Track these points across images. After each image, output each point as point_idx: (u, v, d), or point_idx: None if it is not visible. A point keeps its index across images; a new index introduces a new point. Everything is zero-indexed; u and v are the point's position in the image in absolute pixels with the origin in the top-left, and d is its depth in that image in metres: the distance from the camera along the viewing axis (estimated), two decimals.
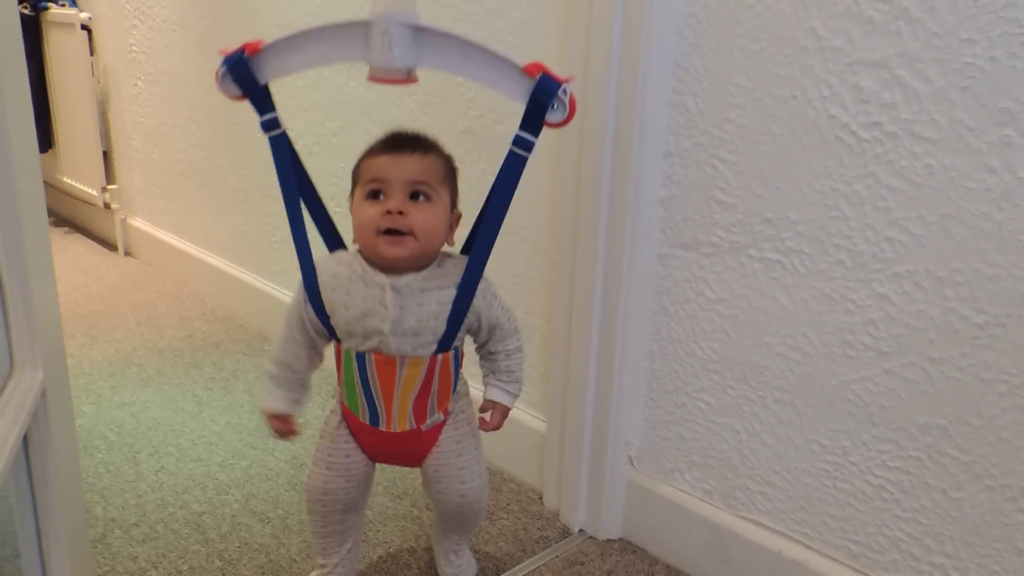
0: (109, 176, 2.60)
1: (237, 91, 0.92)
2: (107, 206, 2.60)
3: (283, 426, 0.99)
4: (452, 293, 0.94)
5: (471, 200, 1.34)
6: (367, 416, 0.99)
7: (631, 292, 1.16)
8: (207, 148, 2.13)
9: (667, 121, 1.09)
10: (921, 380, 0.92)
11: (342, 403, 1.01)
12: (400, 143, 0.94)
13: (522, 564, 1.20)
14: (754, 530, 1.11)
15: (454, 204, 0.98)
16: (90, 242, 2.73)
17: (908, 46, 0.86)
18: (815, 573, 1.04)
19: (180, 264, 2.36)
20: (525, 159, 0.94)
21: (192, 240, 2.31)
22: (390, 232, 0.90)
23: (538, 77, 0.88)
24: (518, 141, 0.93)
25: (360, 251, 0.96)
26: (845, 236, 0.95)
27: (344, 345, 0.96)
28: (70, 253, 2.61)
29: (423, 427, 1.00)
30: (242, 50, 0.90)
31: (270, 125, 0.93)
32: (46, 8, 2.54)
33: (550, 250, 1.28)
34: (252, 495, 1.35)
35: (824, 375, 1.00)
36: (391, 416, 0.98)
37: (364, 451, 1.02)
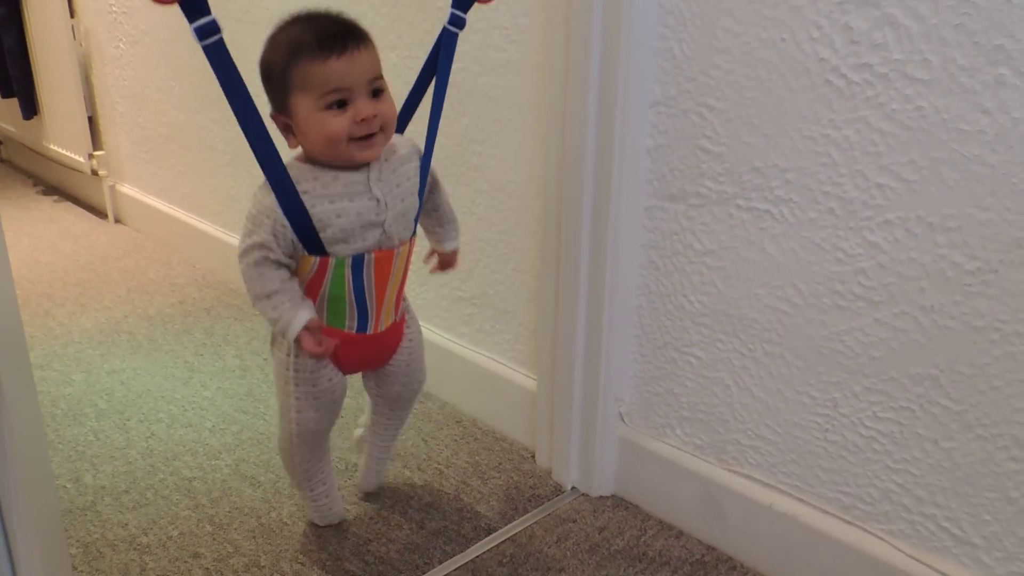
0: (95, 142, 2.56)
1: None
2: (95, 173, 2.56)
3: (319, 342, 0.93)
4: (414, 165, 0.98)
5: (458, 155, 1.33)
6: (355, 324, 0.99)
7: (618, 246, 1.13)
8: (191, 110, 2.09)
9: (653, 68, 1.05)
10: (912, 329, 0.90)
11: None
12: (343, 39, 0.88)
13: (514, 522, 1.20)
14: (745, 484, 1.10)
15: None
16: (79, 210, 2.70)
17: None
18: (806, 526, 1.03)
19: (170, 230, 2.34)
20: (457, 36, 1.00)
21: (181, 205, 2.28)
22: (364, 137, 0.89)
23: None
24: (454, 19, 0.99)
25: (308, 159, 0.93)
26: (835, 183, 0.92)
27: (335, 255, 0.93)
28: (60, 222, 2.58)
29: (397, 317, 1.05)
30: None
31: (207, 31, 0.81)
32: None
33: (537, 206, 1.25)
34: (243, 460, 1.35)
35: (814, 326, 0.98)
36: (380, 314, 1.00)
37: (339, 367, 1.03)
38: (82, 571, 1.10)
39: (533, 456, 1.35)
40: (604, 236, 1.13)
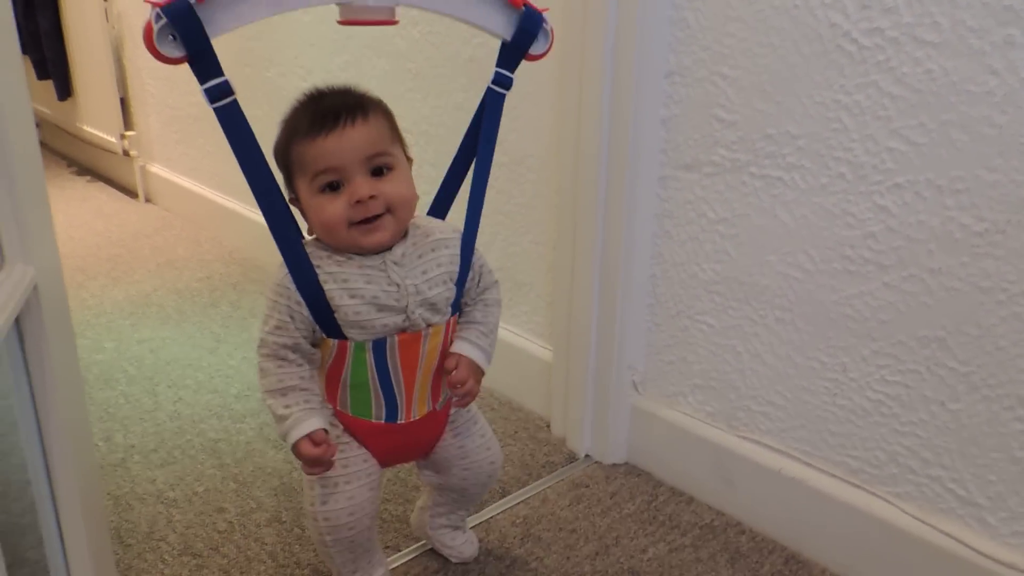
0: (127, 123, 2.62)
1: (179, 52, 0.73)
2: (126, 153, 2.62)
3: (321, 451, 0.82)
4: (450, 252, 0.87)
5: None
6: (383, 413, 0.89)
7: (633, 216, 1.15)
8: None
9: (667, 38, 1.07)
10: (920, 292, 0.91)
11: (340, 415, 0.90)
12: (334, 114, 0.80)
13: (528, 487, 1.23)
14: (755, 450, 1.11)
15: (405, 152, 0.87)
16: (111, 190, 2.77)
17: None
18: (814, 490, 1.05)
19: (199, 208, 2.39)
20: (504, 97, 0.91)
21: (209, 184, 2.33)
22: (364, 221, 0.81)
23: (523, 8, 0.87)
24: (498, 79, 0.90)
25: (323, 243, 0.85)
26: (846, 148, 0.93)
27: (352, 340, 0.84)
28: (92, 200, 2.65)
29: (438, 406, 0.93)
30: None
31: (219, 92, 0.75)
32: None
33: (555, 178, 1.28)
34: (266, 424, 1.39)
35: (824, 292, 0.99)
36: (411, 402, 0.89)
37: (376, 457, 0.92)
38: (113, 521, 1.14)
39: (548, 425, 1.38)
40: (619, 206, 1.15)
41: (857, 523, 1.01)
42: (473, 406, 0.98)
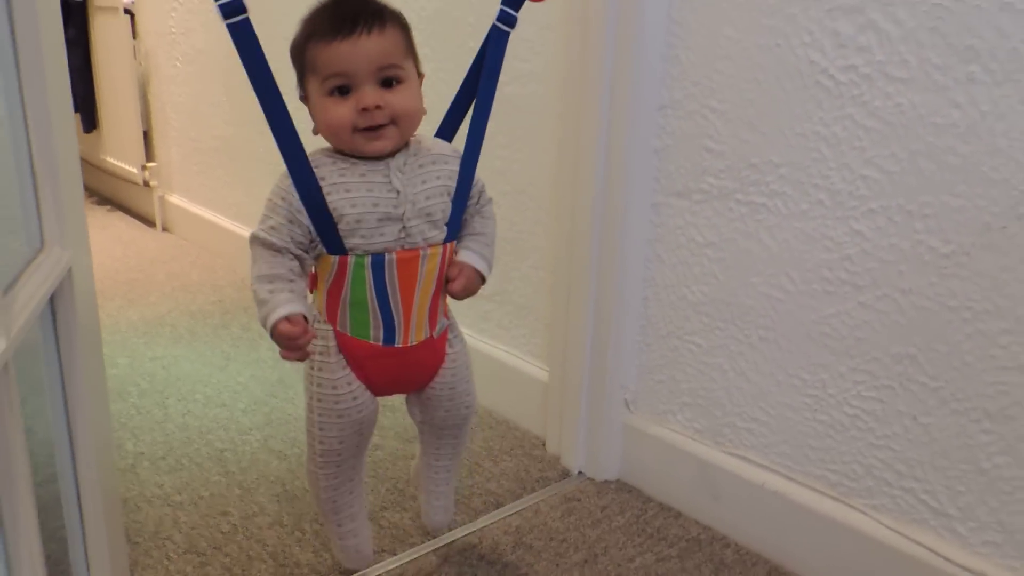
0: (148, 154, 2.72)
1: None
2: (146, 184, 2.72)
3: (299, 330, 0.82)
4: (449, 168, 0.91)
5: (482, 160, 1.39)
6: (380, 335, 0.90)
7: (626, 241, 1.21)
8: (239, 123, 2.23)
9: (661, 74, 1.14)
10: (893, 311, 0.97)
11: (340, 335, 0.91)
12: (353, 19, 0.82)
13: (521, 499, 1.27)
14: (740, 465, 1.16)
15: (417, 68, 0.89)
16: (130, 219, 2.86)
17: None
18: (796, 503, 1.09)
19: (214, 237, 2.47)
20: (508, 35, 0.94)
21: (225, 213, 2.42)
22: (369, 129, 0.83)
23: None
24: (502, 16, 0.93)
25: (331, 148, 0.88)
26: (824, 176, 1.00)
27: (353, 252, 0.86)
28: (111, 229, 2.74)
29: (435, 334, 0.95)
30: None
31: (232, 8, 0.78)
32: None
33: (554, 206, 1.34)
34: (271, 436, 1.44)
35: (804, 311, 1.05)
36: (409, 326, 0.91)
37: (369, 386, 0.93)
38: (122, 521, 1.19)
39: (544, 444, 1.42)
40: (613, 232, 1.22)
41: (836, 535, 1.05)
42: (465, 342, 1.01)
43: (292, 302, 0.83)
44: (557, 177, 1.31)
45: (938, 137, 0.90)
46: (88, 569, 0.78)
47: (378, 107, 0.83)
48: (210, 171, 2.45)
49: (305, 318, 0.83)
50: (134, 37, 2.61)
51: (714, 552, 1.15)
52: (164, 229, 2.74)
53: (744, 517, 1.15)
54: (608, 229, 1.22)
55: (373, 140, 0.84)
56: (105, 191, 3.12)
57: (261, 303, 0.84)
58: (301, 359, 0.87)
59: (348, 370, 0.92)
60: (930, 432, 0.96)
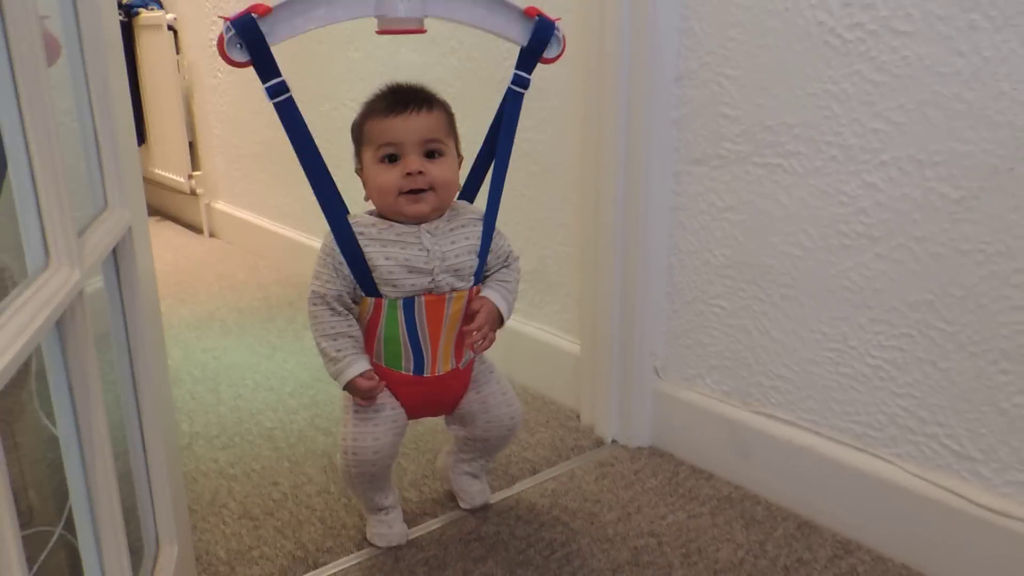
0: (194, 164, 2.83)
1: (244, 57, 0.89)
2: (193, 192, 2.83)
3: (372, 383, 0.99)
4: (476, 230, 1.02)
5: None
6: (411, 366, 1.02)
7: (650, 211, 1.25)
8: (279, 127, 2.31)
9: (676, 46, 1.19)
10: (908, 259, 0.99)
11: (375, 365, 1.02)
12: (405, 101, 0.97)
13: (556, 466, 1.31)
14: (768, 423, 1.19)
15: (457, 149, 1.03)
16: (178, 227, 2.98)
17: None
18: (823, 457, 1.12)
19: (258, 239, 2.56)
20: (523, 96, 1.05)
21: (268, 215, 2.51)
22: (412, 192, 0.96)
23: (536, 18, 1.02)
24: (517, 80, 1.04)
25: (375, 212, 1.01)
26: (836, 133, 1.03)
27: (387, 297, 0.98)
28: (160, 236, 2.85)
29: (461, 365, 1.06)
30: (250, 13, 0.87)
31: (277, 90, 0.92)
32: (137, 13, 2.80)
33: (580, 183, 1.39)
34: (317, 415, 1.50)
35: (823, 267, 1.08)
36: (436, 359, 1.02)
37: (405, 407, 1.05)
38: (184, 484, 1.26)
39: (578, 416, 1.47)
40: (636, 203, 1.26)
41: (863, 486, 1.07)
42: (493, 364, 1.12)
43: (360, 359, 0.99)
44: (582, 155, 1.36)
45: (944, 86, 0.92)
46: (156, 526, 0.84)
47: (420, 173, 0.96)
48: (253, 176, 2.54)
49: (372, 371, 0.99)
50: (177, 52, 2.73)
51: (745, 509, 1.18)
52: (211, 235, 2.85)
53: (774, 474, 1.18)
54: (631, 201, 1.26)
55: (414, 203, 0.97)
56: (153, 202, 3.25)
57: (331, 360, 0.99)
58: (373, 403, 1.02)
59: (386, 389, 1.04)
60: (950, 377, 0.98)
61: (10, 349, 0.42)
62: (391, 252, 0.97)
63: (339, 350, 0.98)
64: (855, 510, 1.09)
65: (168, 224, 3.02)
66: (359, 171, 1.02)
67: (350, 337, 0.99)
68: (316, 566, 1.08)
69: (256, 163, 2.51)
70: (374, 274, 0.97)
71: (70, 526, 0.69)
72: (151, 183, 3.12)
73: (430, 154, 0.98)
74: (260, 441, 1.42)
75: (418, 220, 0.99)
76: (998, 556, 0.95)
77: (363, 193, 1.02)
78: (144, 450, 0.76)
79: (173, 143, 2.82)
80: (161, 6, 2.82)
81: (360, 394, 1.00)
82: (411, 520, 1.17)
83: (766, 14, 1.07)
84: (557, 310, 1.52)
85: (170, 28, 2.69)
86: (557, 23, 1.04)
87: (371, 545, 1.12)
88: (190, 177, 2.81)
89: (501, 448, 1.18)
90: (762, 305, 1.17)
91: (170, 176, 2.90)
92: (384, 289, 0.98)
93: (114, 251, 0.69)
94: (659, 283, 1.29)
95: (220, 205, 2.78)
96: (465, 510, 1.19)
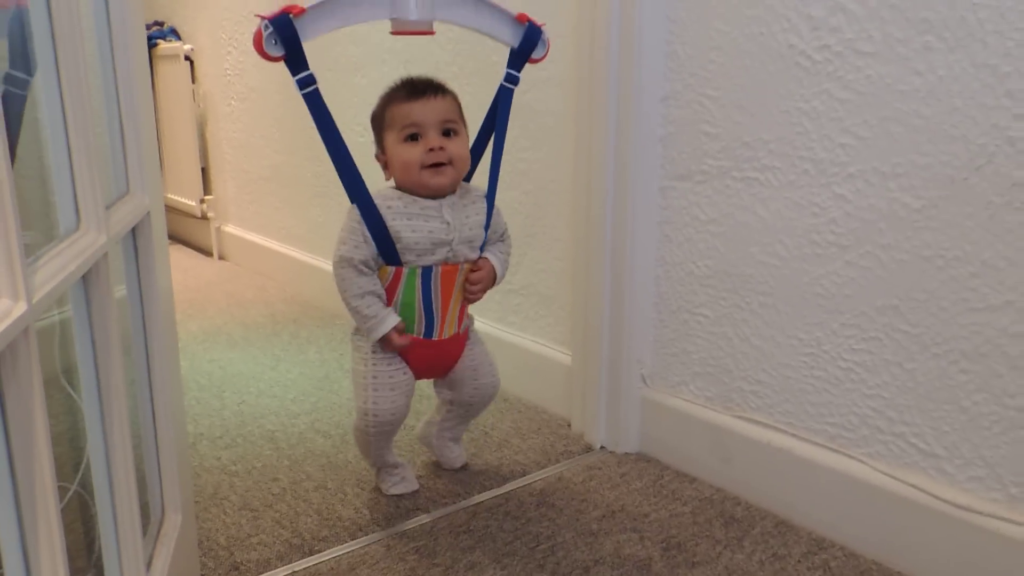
0: (206, 188, 2.92)
1: (279, 52, 0.99)
2: (204, 216, 2.92)
3: (402, 337, 1.12)
4: (483, 206, 1.17)
5: (508, 162, 1.51)
6: (423, 329, 1.15)
7: (637, 225, 1.32)
8: (288, 152, 2.41)
9: (662, 69, 1.27)
10: (875, 266, 1.05)
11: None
12: (423, 88, 1.11)
13: (546, 469, 1.36)
14: (747, 427, 1.24)
15: (466, 130, 1.16)
16: (189, 250, 3.06)
17: None
18: (799, 457, 1.17)
19: (266, 260, 2.64)
20: (513, 91, 1.18)
21: (276, 237, 2.59)
22: (434, 165, 1.09)
23: (527, 24, 1.15)
24: (509, 78, 1.18)
25: (397, 188, 1.13)
26: (807, 148, 1.10)
27: (407, 265, 1.10)
28: (171, 258, 2.91)
29: (460, 330, 1.20)
30: (287, 12, 0.98)
31: (307, 82, 1.02)
32: (156, 45, 2.92)
33: (573, 200, 1.46)
34: (318, 419, 1.56)
35: (798, 275, 1.14)
36: (444, 323, 1.16)
37: (413, 369, 1.18)
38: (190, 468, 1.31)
39: (569, 424, 1.52)
40: (625, 218, 1.33)
41: (837, 485, 1.12)
42: (480, 337, 1.26)
43: (391, 315, 1.12)
44: (574, 172, 1.43)
45: (904, 102, 0.99)
46: (162, 495, 0.90)
47: (441, 148, 1.09)
48: (262, 199, 2.63)
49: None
50: (193, 81, 2.84)
51: (725, 509, 1.22)
52: (220, 257, 2.93)
53: (753, 476, 1.23)
54: (620, 215, 1.33)
55: (436, 176, 1.10)
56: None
57: (365, 317, 1.11)
58: (402, 349, 1.15)
59: (399, 358, 1.17)
60: (915, 377, 1.04)
61: (44, 286, 0.48)
62: (417, 225, 1.09)
63: (370, 306, 1.10)
64: (829, 508, 1.13)
65: (179, 247, 3.11)
66: (379, 156, 1.15)
67: (377, 296, 1.11)
68: (311, 553, 1.13)
69: (265, 187, 2.59)
70: (398, 245, 1.09)
71: (84, 484, 0.75)
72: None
73: (446, 133, 1.10)
74: (262, 442, 1.47)
75: (439, 193, 1.11)
76: (963, 550, 1.00)
77: (375, 181, 1.12)
78: (154, 419, 0.82)
79: (186, 169, 2.92)
80: (179, 37, 2.94)
81: (393, 347, 1.12)
82: (404, 514, 1.22)
83: (743, 38, 1.15)
84: (551, 323, 1.58)
85: (187, 58, 2.80)
86: (543, 28, 1.17)
87: (388, 496, 1.27)
88: (202, 201, 2.90)
89: (479, 413, 1.33)
90: (742, 313, 1.23)
91: (183, 200, 2.99)
92: (408, 258, 1.10)
93: (134, 231, 0.76)
94: (647, 294, 1.35)
95: (230, 228, 2.86)
96: (455, 504, 1.24)
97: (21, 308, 0.43)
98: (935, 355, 1.01)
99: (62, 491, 0.77)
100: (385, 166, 1.15)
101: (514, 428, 1.51)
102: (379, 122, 1.14)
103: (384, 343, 1.13)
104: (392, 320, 1.11)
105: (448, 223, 1.11)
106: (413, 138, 1.10)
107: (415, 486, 1.28)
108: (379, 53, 1.92)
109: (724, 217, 1.22)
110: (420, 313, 1.14)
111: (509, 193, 1.59)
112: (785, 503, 1.19)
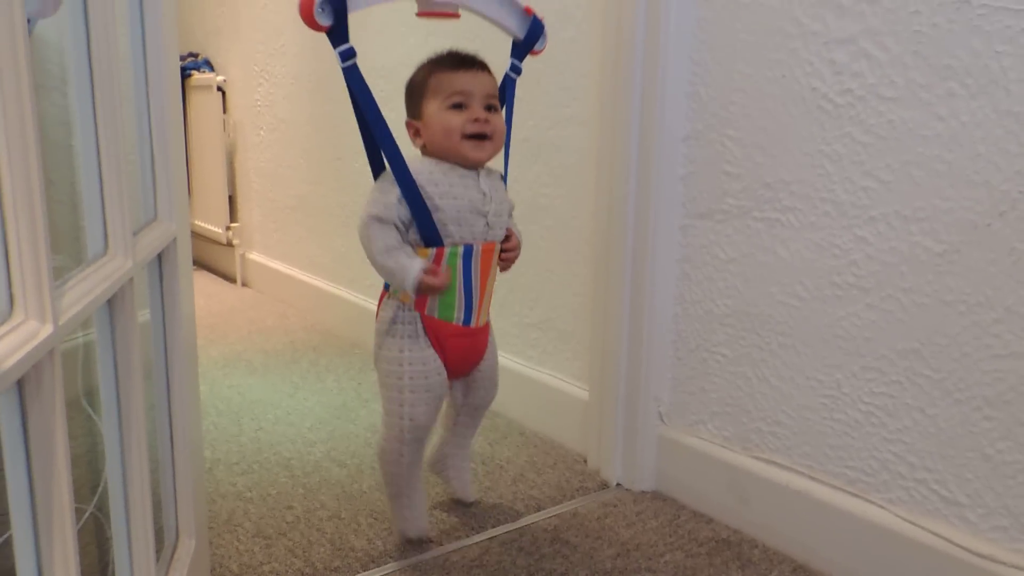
0: (232, 216, 2.97)
1: (329, 21, 1.00)
2: (229, 243, 2.96)
3: (438, 277, 1.05)
4: (503, 184, 1.18)
5: (530, 198, 1.52)
6: (462, 316, 1.12)
7: (657, 263, 1.33)
8: (314, 182, 2.45)
9: (684, 109, 1.28)
10: (896, 309, 1.05)
11: (427, 319, 1.11)
12: (471, 62, 1.11)
13: (561, 505, 1.35)
14: (766, 468, 1.22)
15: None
16: (213, 276, 3.10)
17: (870, 23, 1.03)
18: (818, 502, 1.15)
19: (288, 288, 2.67)
20: (516, 81, 1.21)
21: (299, 266, 2.62)
22: (475, 137, 1.08)
23: (532, 17, 1.19)
24: (514, 68, 1.20)
25: (431, 157, 1.11)
26: (829, 190, 1.10)
27: (448, 238, 1.08)
28: (196, 285, 2.93)
29: (488, 318, 1.19)
30: None
31: (348, 55, 1.03)
32: (189, 75, 2.99)
33: (594, 237, 1.47)
34: (334, 448, 1.56)
35: (818, 316, 1.14)
36: (481, 308, 1.14)
37: (447, 363, 1.14)
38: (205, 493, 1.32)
39: (585, 460, 1.51)
40: (645, 255, 1.33)
41: (856, 531, 1.10)
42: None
43: (416, 259, 1.06)
44: (595, 209, 1.44)
45: (926, 147, 0.99)
46: (177, 519, 0.90)
47: (487, 120, 1.09)
48: (287, 228, 2.66)
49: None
50: (224, 112, 2.90)
51: (742, 552, 1.21)
52: (244, 284, 2.96)
53: (771, 518, 1.21)
54: (641, 253, 1.34)
55: (477, 148, 1.10)
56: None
57: (393, 272, 1.06)
58: (444, 285, 1.07)
59: (433, 350, 1.13)
60: (937, 423, 1.02)
61: (71, 309, 0.50)
62: (457, 192, 1.08)
63: (397, 260, 1.05)
64: (848, 554, 1.12)
65: (203, 273, 3.15)
66: (411, 123, 1.13)
67: (402, 249, 1.06)
68: None
69: (291, 216, 2.63)
70: (437, 215, 1.07)
71: (100, 506, 0.75)
72: (191, 234, 3.26)
73: (488, 108, 1.10)
74: (277, 469, 1.48)
75: (476, 165, 1.11)
76: None
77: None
78: (171, 443, 0.82)
79: (214, 196, 2.97)
80: (212, 69, 3.01)
81: (431, 288, 1.06)
82: (417, 546, 1.21)
83: (765, 81, 1.16)
84: (568, 358, 1.58)
85: (219, 89, 2.87)
86: (543, 21, 1.20)
87: (402, 539, 1.23)
88: (227, 228, 2.94)
89: (480, 421, 1.31)
90: (761, 353, 1.22)
91: (209, 227, 3.04)
92: (451, 229, 1.08)
93: (159, 257, 0.78)
94: (665, 332, 1.35)
95: (254, 256, 2.90)
96: (468, 538, 1.23)
97: (47, 330, 0.44)
98: (957, 401, 1.00)
99: (79, 513, 0.78)
100: (416, 133, 1.12)
101: (530, 463, 1.50)
102: (419, 89, 1.12)
103: (421, 290, 1.06)
104: (419, 263, 1.05)
105: (485, 193, 1.11)
106: (458, 107, 1.09)
107: (425, 531, 1.22)
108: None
109: (744, 257, 1.22)
110: (461, 297, 1.11)
111: (529, 227, 1.61)
112: (803, 547, 1.17)
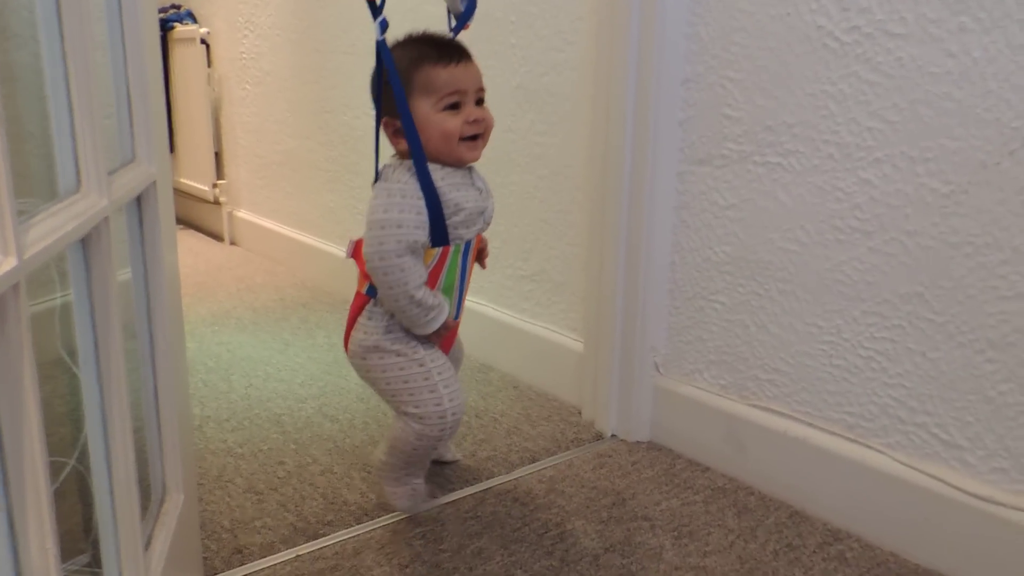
0: (219, 173, 2.91)
1: None
2: (216, 201, 2.91)
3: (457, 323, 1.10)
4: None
5: (524, 147, 1.49)
6: (455, 312, 1.09)
7: (654, 210, 1.29)
8: (301, 136, 2.39)
9: (683, 51, 1.23)
10: (900, 253, 1.02)
11: None
12: (458, 51, 1.01)
13: (555, 456, 1.34)
14: (764, 416, 1.21)
15: None
16: (201, 235, 3.05)
17: None
18: (816, 448, 1.14)
19: (277, 246, 2.63)
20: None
21: (287, 222, 2.57)
22: (471, 137, 1.01)
23: None
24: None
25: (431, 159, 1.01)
26: (833, 132, 1.07)
27: (457, 240, 1.03)
28: (183, 243, 2.92)
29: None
30: None
31: (382, 28, 0.95)
32: (172, 27, 2.91)
33: (589, 185, 1.43)
34: (325, 404, 1.54)
35: (819, 261, 1.11)
36: (463, 302, 1.11)
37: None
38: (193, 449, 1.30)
39: (580, 412, 1.49)
40: (641, 203, 1.30)
41: (855, 476, 1.09)
42: None
43: (441, 296, 1.04)
44: (590, 157, 1.41)
45: (935, 85, 0.96)
46: (164, 474, 0.88)
47: (482, 120, 1.02)
48: (274, 184, 2.61)
49: None
50: (208, 65, 2.82)
51: (738, 499, 1.20)
52: (232, 242, 2.92)
53: (768, 466, 1.20)
54: (636, 201, 1.31)
55: (472, 149, 1.03)
56: (177, 212, 3.33)
57: (429, 308, 1.01)
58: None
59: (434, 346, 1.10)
60: (939, 367, 1.01)
61: (37, 243, 0.46)
62: (469, 195, 1.03)
63: (432, 295, 1.02)
64: (845, 499, 1.11)
65: (190, 232, 3.10)
66: (389, 123, 1.01)
67: (426, 288, 1.01)
68: (315, 537, 1.11)
69: (278, 172, 2.58)
70: (455, 217, 1.01)
71: (83, 461, 0.73)
72: (177, 192, 3.20)
73: (479, 102, 1.03)
74: (268, 425, 1.46)
75: (467, 165, 1.05)
76: (984, 542, 0.97)
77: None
78: (156, 398, 0.80)
79: (200, 154, 2.91)
80: (195, 21, 2.93)
81: (445, 329, 1.05)
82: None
83: (768, 19, 1.12)
84: (563, 309, 1.55)
85: (203, 42, 2.79)
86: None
87: (400, 512, 1.16)
88: (214, 186, 2.89)
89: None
90: (760, 300, 1.20)
91: (195, 185, 2.98)
92: (460, 232, 1.03)
93: (139, 202, 0.74)
94: (661, 280, 1.33)
95: (242, 213, 2.85)
96: (462, 490, 1.22)
97: (11, 263, 0.41)
98: (960, 344, 0.98)
99: (61, 466, 0.75)
100: (397, 133, 1.00)
101: (524, 415, 1.49)
102: (411, 83, 0.99)
103: (440, 330, 1.04)
104: (447, 302, 1.04)
105: (480, 190, 1.06)
106: (453, 107, 1.00)
107: (424, 503, 1.17)
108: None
109: (744, 202, 1.19)
110: (456, 294, 1.08)
111: (523, 177, 1.57)
112: (800, 493, 1.16)
